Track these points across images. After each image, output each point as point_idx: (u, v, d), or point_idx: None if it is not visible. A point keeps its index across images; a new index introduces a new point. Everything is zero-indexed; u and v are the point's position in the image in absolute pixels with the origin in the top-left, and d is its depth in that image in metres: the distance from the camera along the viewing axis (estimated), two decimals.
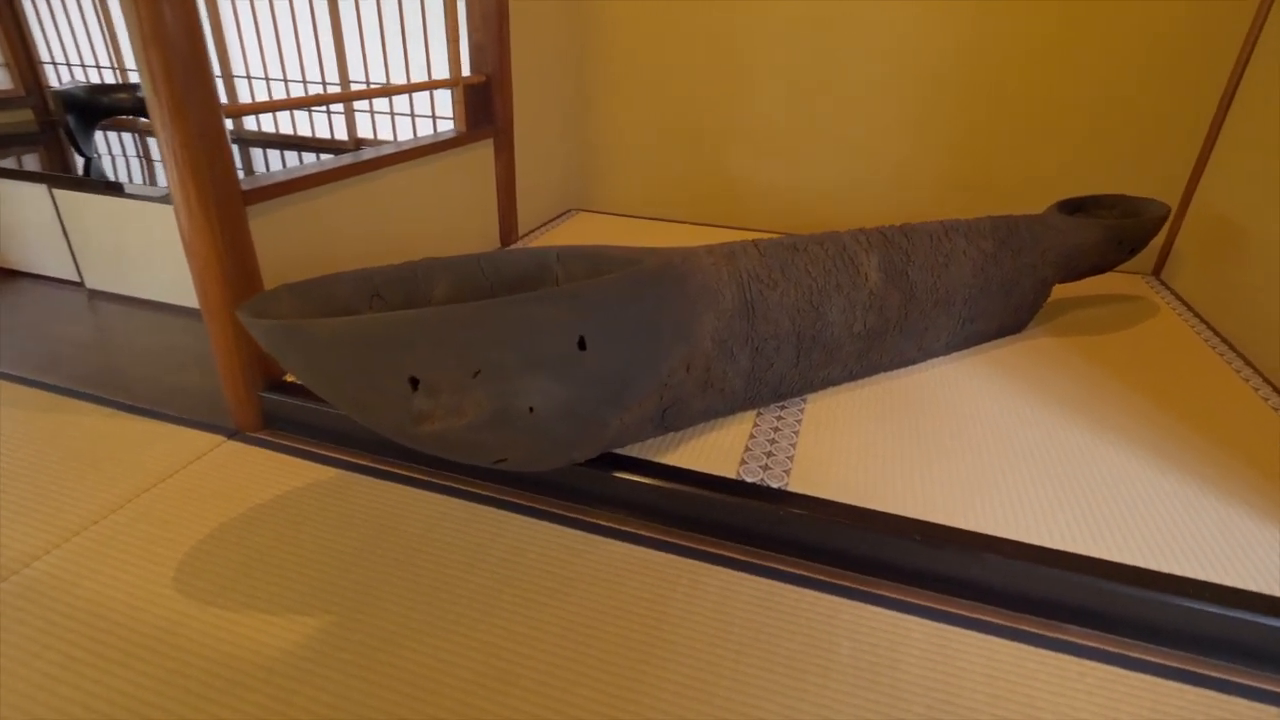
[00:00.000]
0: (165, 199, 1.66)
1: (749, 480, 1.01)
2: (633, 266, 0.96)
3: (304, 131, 2.23)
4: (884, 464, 1.07)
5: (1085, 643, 0.86)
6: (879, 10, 1.91)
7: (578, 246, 1.04)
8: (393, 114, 2.15)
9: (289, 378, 1.25)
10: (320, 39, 2.07)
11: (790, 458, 1.07)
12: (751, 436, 1.12)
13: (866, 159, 2.10)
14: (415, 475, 1.13)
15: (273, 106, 1.21)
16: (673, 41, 2.13)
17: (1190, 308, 1.71)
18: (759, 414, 1.19)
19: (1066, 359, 1.44)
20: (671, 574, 0.95)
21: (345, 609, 0.88)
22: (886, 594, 0.92)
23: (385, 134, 2.22)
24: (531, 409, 0.82)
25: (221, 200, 1.06)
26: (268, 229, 1.18)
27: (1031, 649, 0.85)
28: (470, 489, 1.10)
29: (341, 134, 2.21)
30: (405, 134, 2.19)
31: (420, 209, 1.61)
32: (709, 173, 2.30)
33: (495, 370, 0.78)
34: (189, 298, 1.69)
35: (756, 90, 2.12)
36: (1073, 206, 1.54)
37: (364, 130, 2.22)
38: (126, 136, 2.45)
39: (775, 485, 1.00)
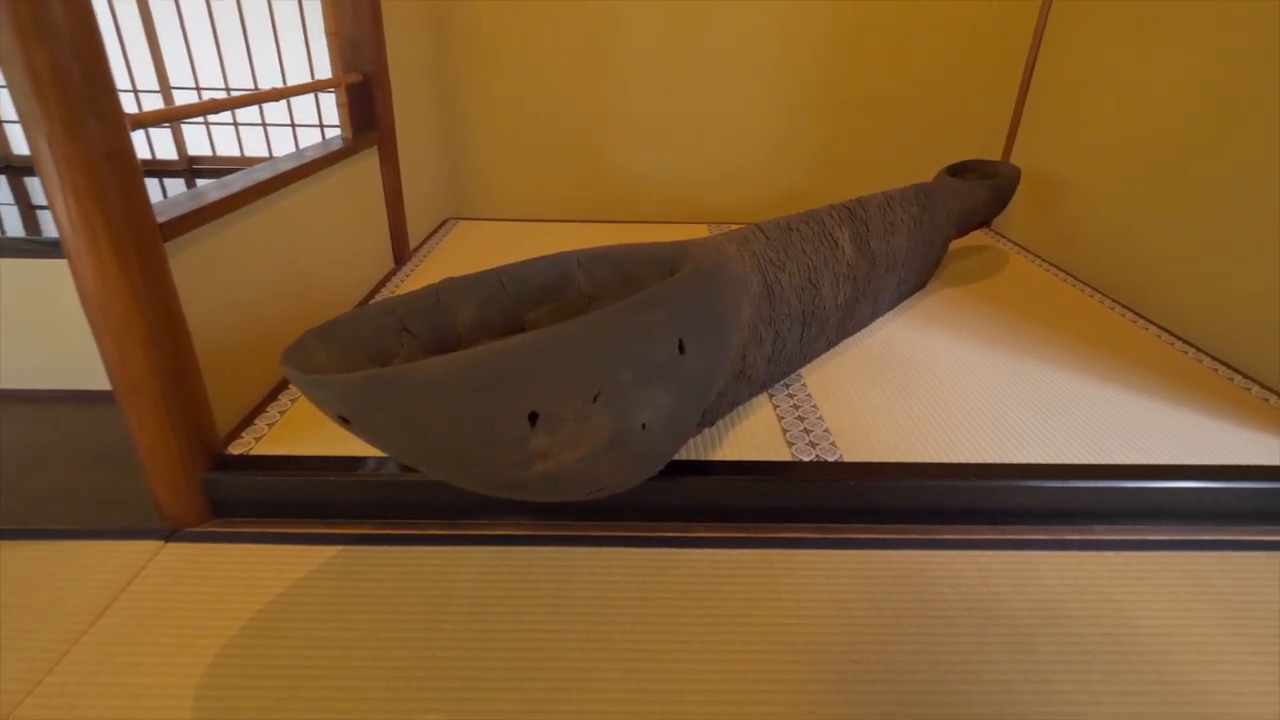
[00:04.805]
0: None
1: (806, 459, 1.02)
2: (673, 260, 0.92)
3: None
4: (901, 420, 1.14)
5: (1115, 537, 1.00)
6: (747, 2, 2.01)
7: (596, 249, 0.97)
8: (236, 125, 1.82)
9: (235, 451, 1.01)
10: (128, 40, 1.67)
11: (826, 430, 1.10)
12: (779, 418, 1.13)
13: (743, 145, 2.21)
14: (433, 532, 0.98)
15: (184, 113, 0.95)
16: (546, 34, 2.05)
17: (1028, 250, 2.04)
18: (770, 395, 1.20)
19: (970, 304, 1.65)
20: (765, 568, 0.93)
21: (445, 703, 0.74)
22: (952, 537, 0.99)
23: (226, 150, 1.86)
24: (644, 425, 0.75)
25: (139, 239, 0.83)
26: (188, 269, 0.94)
27: (1084, 554, 0.96)
28: (506, 532, 0.98)
29: (166, 152, 1.81)
30: (254, 148, 1.86)
31: (321, 231, 1.38)
32: (589, 168, 2.26)
33: (614, 389, 0.70)
34: (11, 379, 1.30)
35: (632, 82, 2.12)
36: (952, 172, 1.75)
37: (198, 147, 1.84)
38: None
39: (831, 459, 1.02)
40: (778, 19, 2.04)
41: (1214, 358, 1.39)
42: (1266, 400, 1.23)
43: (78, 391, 1.30)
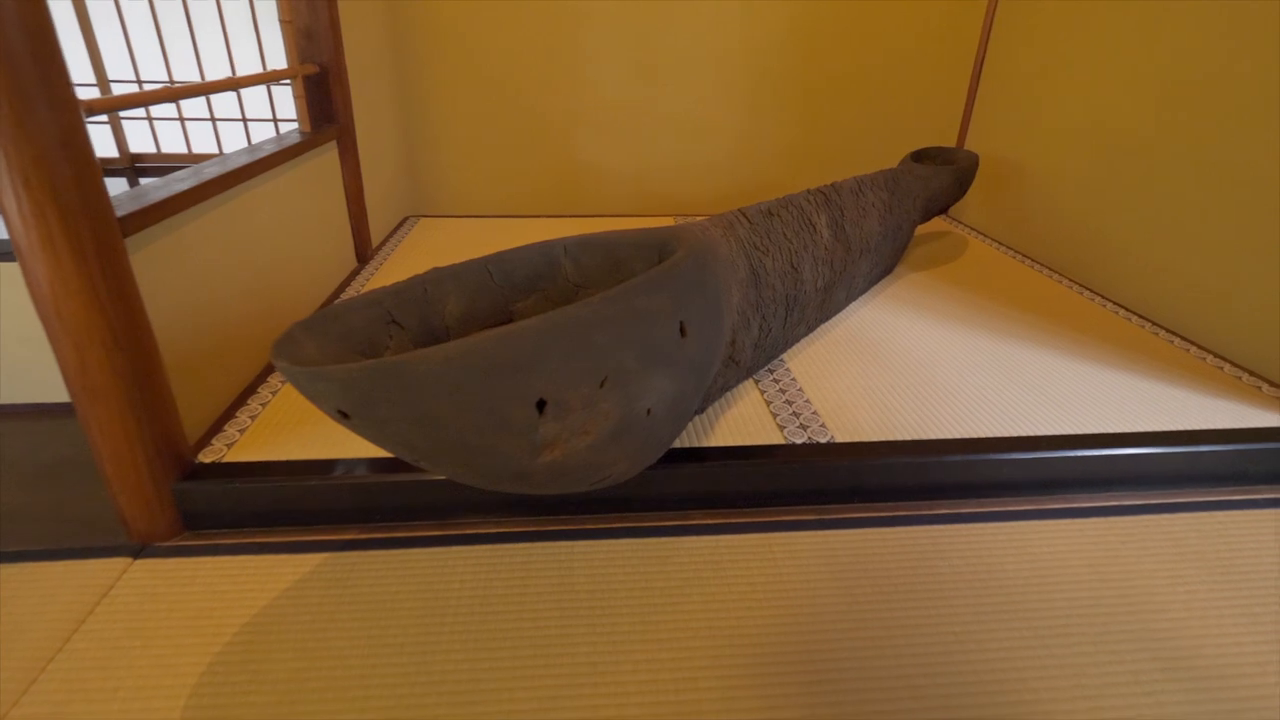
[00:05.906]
0: None
1: (799, 442, 1.02)
2: (662, 245, 0.91)
3: None
4: (885, 400, 1.16)
5: (1095, 504, 1.03)
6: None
7: (582, 236, 0.95)
8: (182, 120, 1.72)
9: (207, 459, 0.96)
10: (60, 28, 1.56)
11: (814, 413, 1.10)
12: (767, 403, 1.13)
13: (708, 138, 2.21)
14: (424, 533, 0.95)
15: (145, 99, 0.89)
16: (507, 27, 2.01)
17: (986, 235, 2.10)
18: (756, 381, 1.20)
19: (936, 287, 1.68)
20: (765, 550, 0.93)
21: (452, 705, 0.71)
22: (945, 511, 1.01)
23: (172, 147, 1.77)
24: (649, 411, 0.74)
25: (98, 234, 0.77)
26: (150, 267, 0.88)
27: (1068, 521, 0.99)
28: (501, 530, 0.95)
29: (105, 149, 1.70)
30: (201, 145, 1.77)
31: (282, 228, 1.32)
32: (553, 163, 2.23)
33: (620, 374, 0.69)
34: None
35: (596, 75, 2.10)
36: (914, 159, 1.79)
37: (140, 144, 1.74)
38: None
39: (823, 441, 1.03)
40: (740, 15, 2.05)
41: (1169, 330, 1.45)
42: (1221, 369, 1.29)
43: (25, 406, 1.21)
